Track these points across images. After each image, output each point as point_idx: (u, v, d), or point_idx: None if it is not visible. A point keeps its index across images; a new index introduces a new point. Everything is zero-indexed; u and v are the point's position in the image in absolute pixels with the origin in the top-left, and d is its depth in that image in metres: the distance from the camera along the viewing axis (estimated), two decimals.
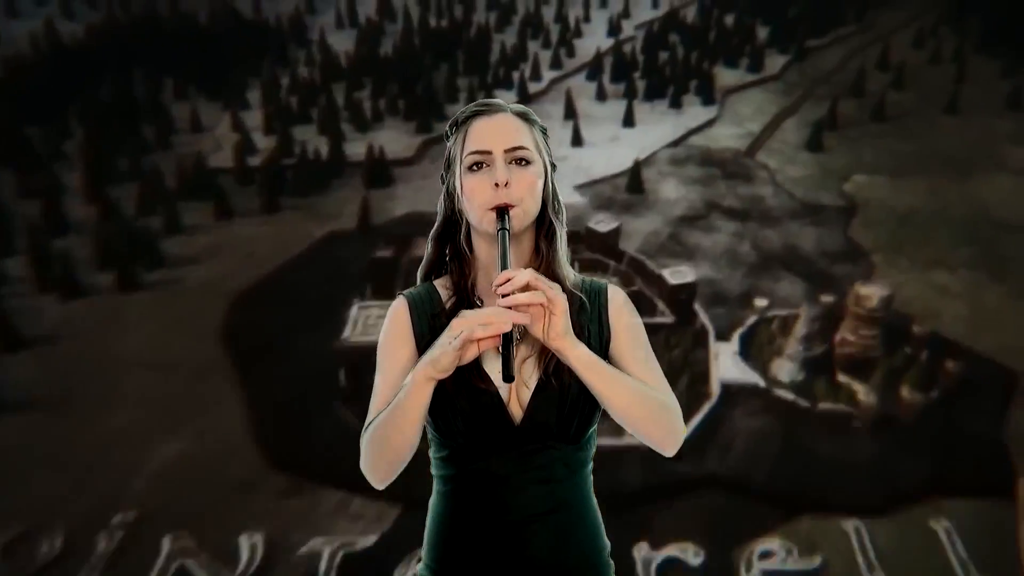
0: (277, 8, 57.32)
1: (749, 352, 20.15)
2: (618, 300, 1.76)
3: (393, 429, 1.54)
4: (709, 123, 37.74)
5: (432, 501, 1.77)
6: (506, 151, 1.61)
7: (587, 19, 56.01)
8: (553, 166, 1.75)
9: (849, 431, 18.50)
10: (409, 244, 23.23)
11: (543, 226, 1.72)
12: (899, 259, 25.90)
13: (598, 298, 1.73)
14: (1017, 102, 38.80)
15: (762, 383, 19.28)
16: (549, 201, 1.72)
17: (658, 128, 36.94)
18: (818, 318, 20.17)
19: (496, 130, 1.63)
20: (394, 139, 35.45)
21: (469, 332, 1.47)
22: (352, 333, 20.50)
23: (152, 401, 20.35)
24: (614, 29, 53.75)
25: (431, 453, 1.74)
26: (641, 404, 1.58)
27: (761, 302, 22.11)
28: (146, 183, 30.18)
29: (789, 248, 26.83)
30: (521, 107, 1.74)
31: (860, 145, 35.09)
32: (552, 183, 1.74)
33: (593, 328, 1.70)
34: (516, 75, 42.63)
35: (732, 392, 18.90)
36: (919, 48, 46.23)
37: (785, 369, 19.53)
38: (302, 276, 24.77)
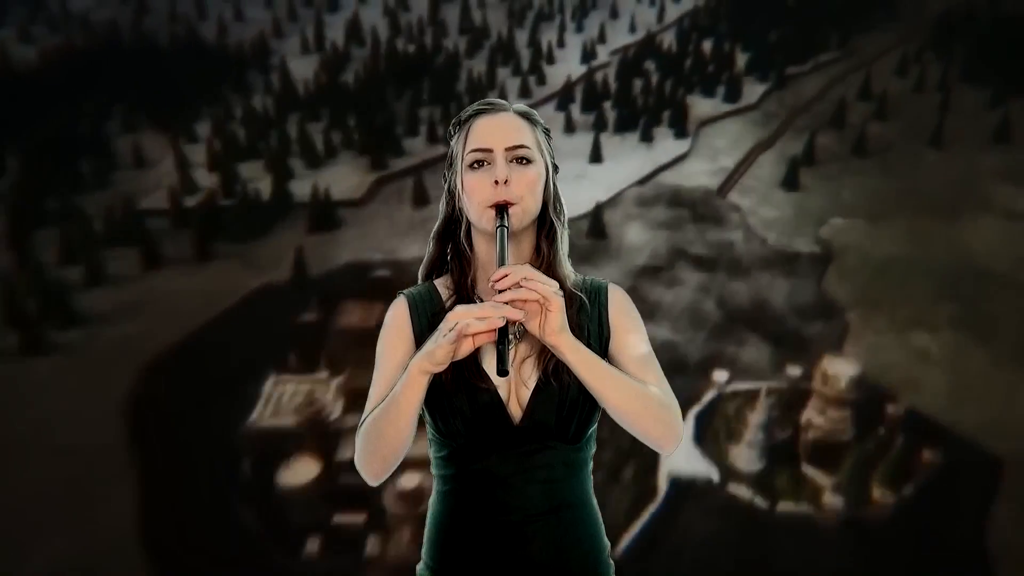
0: (243, 31, 55.59)
1: (704, 437, 18.08)
2: (618, 299, 1.72)
3: (387, 423, 1.53)
4: (681, 158, 35.85)
5: (432, 501, 1.74)
6: (507, 149, 1.61)
7: (561, 44, 54.27)
8: (555, 167, 1.72)
9: (814, 535, 16.40)
10: (338, 307, 21.24)
11: (544, 226, 1.69)
12: (876, 317, 23.93)
13: (598, 297, 1.72)
14: (1004, 135, 37.07)
15: (717, 477, 17.17)
16: (550, 201, 1.70)
17: (627, 164, 35.06)
18: (782, 400, 18.14)
19: (497, 128, 1.62)
20: (345, 176, 33.46)
21: (464, 325, 1.46)
22: (262, 414, 18.45)
23: (40, 492, 18.27)
24: (588, 55, 52.06)
25: (431, 453, 1.70)
26: (638, 401, 1.56)
27: (721, 375, 20.02)
28: (71, 227, 28.14)
29: (757, 304, 24.85)
30: (524, 107, 1.71)
31: (839, 183, 33.22)
32: (553, 184, 1.71)
33: (593, 327, 1.69)
34: None
35: (682, 488, 16.82)
36: (903, 76, 44.64)
37: (744, 458, 17.43)
38: (224, 338, 22.73)
